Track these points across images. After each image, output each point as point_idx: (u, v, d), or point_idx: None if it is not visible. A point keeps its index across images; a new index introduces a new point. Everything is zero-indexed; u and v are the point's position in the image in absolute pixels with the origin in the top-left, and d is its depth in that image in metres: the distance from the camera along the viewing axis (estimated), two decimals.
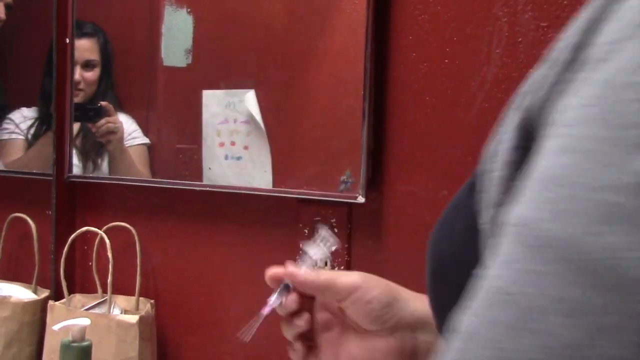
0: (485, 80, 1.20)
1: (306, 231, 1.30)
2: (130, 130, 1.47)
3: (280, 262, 0.77)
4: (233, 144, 1.37)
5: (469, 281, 0.49)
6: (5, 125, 1.56)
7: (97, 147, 1.50)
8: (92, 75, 1.49)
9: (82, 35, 1.49)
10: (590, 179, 0.30)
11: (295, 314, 0.77)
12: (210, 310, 1.43)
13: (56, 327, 1.03)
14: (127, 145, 1.47)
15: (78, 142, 1.51)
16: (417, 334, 0.74)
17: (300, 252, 0.71)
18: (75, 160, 1.50)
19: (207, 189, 1.38)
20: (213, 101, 1.38)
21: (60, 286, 1.41)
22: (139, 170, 1.46)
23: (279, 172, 1.33)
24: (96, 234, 1.41)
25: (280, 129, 1.35)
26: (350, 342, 0.75)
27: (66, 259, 1.42)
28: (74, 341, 1.03)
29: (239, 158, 1.36)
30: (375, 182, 1.27)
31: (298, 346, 0.76)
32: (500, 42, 1.19)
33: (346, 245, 1.27)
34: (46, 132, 1.52)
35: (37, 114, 1.54)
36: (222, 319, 1.42)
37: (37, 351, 1.41)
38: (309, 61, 1.31)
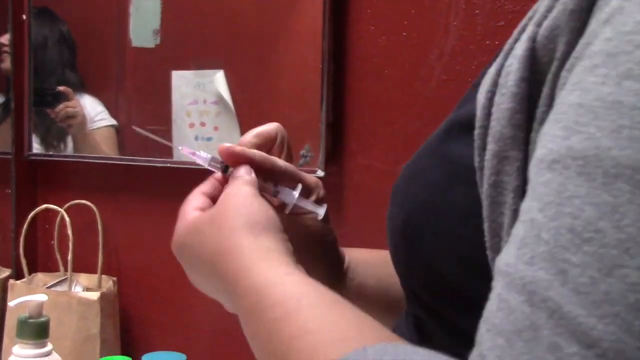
0: (444, 52, 1.20)
1: None
2: (96, 112, 1.46)
3: None
4: (203, 124, 1.36)
5: (447, 228, 0.49)
6: None
7: (58, 131, 1.48)
8: None
9: None
10: None
11: None
12: (173, 286, 1.43)
13: (12, 303, 1.02)
14: (93, 128, 1.46)
15: (39, 125, 1.49)
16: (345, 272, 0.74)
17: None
18: (37, 144, 1.49)
19: (168, 164, 1.37)
20: (182, 82, 1.37)
21: (21, 265, 1.40)
22: (105, 153, 1.45)
23: None
24: (57, 212, 1.40)
25: (249, 109, 1.34)
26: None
27: (27, 237, 1.41)
28: (30, 317, 1.02)
29: (209, 139, 1.36)
30: (334, 156, 1.27)
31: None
32: (457, 15, 1.19)
33: None
34: (8, 117, 1.50)
35: (3, 97, 1.52)
36: (185, 296, 1.42)
37: None
38: (276, 41, 1.31)
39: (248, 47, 1.33)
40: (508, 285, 0.35)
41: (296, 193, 0.65)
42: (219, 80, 1.34)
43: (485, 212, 0.44)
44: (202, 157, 0.66)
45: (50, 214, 1.47)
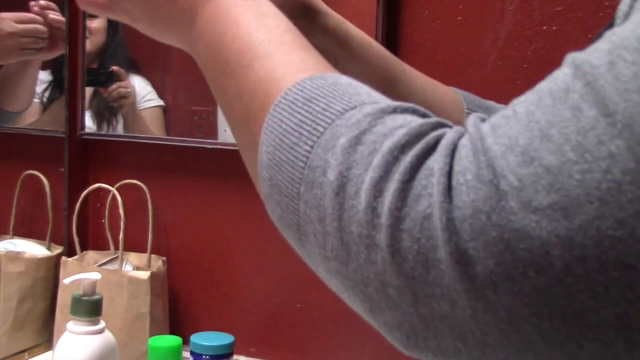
0: (499, 37, 1.18)
1: None
2: (144, 92, 1.47)
3: None
4: None
5: None
6: None
7: (110, 109, 1.50)
8: (96, 24, 1.48)
9: None
10: None
11: None
12: (221, 268, 1.44)
13: (67, 281, 1.03)
14: (141, 108, 1.47)
15: (93, 104, 1.50)
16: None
17: None
18: (91, 123, 1.50)
19: (219, 146, 1.38)
20: None
21: (73, 243, 1.42)
22: (153, 133, 1.46)
23: None
24: (109, 191, 1.42)
25: None
26: None
27: (79, 216, 1.43)
28: (84, 295, 1.03)
29: None
30: None
31: None
32: None
33: None
34: (61, 96, 1.52)
35: (52, 76, 1.54)
36: (233, 277, 1.43)
37: (50, 306, 1.43)
38: None
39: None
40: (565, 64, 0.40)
41: None
42: None
43: None
44: None
45: (101, 193, 1.49)
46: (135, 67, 1.48)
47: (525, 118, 0.38)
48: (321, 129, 0.44)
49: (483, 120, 0.41)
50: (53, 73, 1.53)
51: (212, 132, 1.40)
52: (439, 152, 0.40)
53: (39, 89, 1.53)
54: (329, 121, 0.44)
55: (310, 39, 0.64)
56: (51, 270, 1.45)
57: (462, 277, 0.38)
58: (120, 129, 1.49)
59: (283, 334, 1.40)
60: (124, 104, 1.48)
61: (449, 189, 0.38)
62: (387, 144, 0.41)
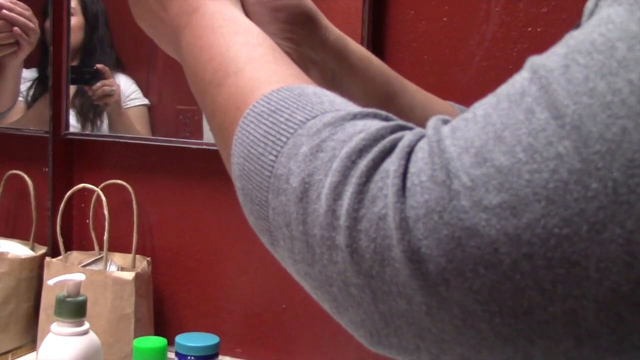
0: (484, 38, 1.19)
1: None
2: (129, 91, 1.46)
3: None
4: None
5: None
6: None
7: (95, 108, 1.49)
8: (73, 22, 1.47)
9: None
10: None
11: None
12: (206, 268, 1.44)
13: (51, 282, 1.03)
14: (126, 107, 1.46)
15: (76, 102, 1.50)
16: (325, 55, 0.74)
17: None
18: (74, 121, 1.50)
19: (204, 146, 1.38)
20: None
21: (57, 243, 1.41)
22: (138, 132, 1.45)
23: None
24: (93, 191, 1.41)
25: None
26: None
27: (63, 216, 1.42)
28: (68, 296, 1.03)
29: None
30: None
31: None
32: (499, 0, 1.17)
33: None
34: (45, 94, 1.51)
35: (37, 74, 1.53)
36: (218, 278, 1.43)
37: (34, 307, 1.42)
38: None
39: None
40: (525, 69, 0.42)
41: None
42: None
43: None
44: None
45: (86, 193, 1.48)
46: (120, 66, 1.48)
47: (482, 120, 0.40)
48: (284, 139, 0.46)
49: (445, 122, 0.42)
50: (38, 71, 1.53)
51: (198, 131, 1.40)
52: (395, 155, 0.41)
53: (23, 87, 1.52)
54: (292, 131, 0.46)
55: (309, 52, 0.66)
56: (35, 270, 1.44)
57: (416, 274, 0.39)
58: (105, 128, 1.48)
59: (268, 334, 1.40)
60: (109, 102, 1.47)
61: (403, 190, 0.40)
62: (346, 149, 0.43)
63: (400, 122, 0.45)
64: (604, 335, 0.37)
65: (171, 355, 1.24)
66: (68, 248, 1.46)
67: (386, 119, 0.46)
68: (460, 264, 0.38)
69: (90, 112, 1.49)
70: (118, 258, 1.42)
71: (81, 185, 1.43)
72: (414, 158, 0.41)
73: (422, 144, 0.41)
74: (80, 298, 1.03)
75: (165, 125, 1.44)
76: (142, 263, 1.39)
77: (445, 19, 1.21)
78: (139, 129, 1.45)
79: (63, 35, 1.48)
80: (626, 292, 0.36)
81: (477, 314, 0.38)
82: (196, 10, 0.59)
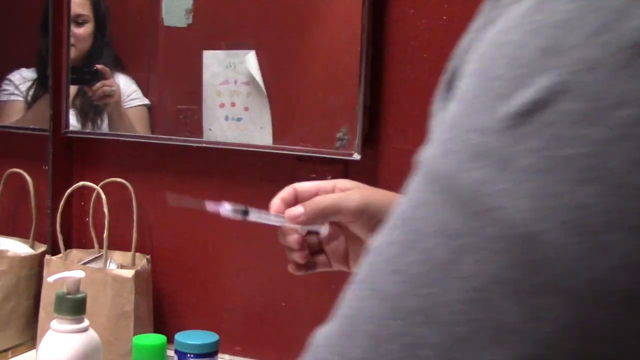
0: None
1: None
2: (129, 91, 1.46)
3: None
4: (233, 104, 1.36)
5: None
6: (4, 87, 1.54)
7: (95, 108, 1.49)
8: (83, 31, 1.47)
9: None
10: (466, 123, 0.36)
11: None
12: (206, 266, 1.44)
13: (51, 279, 1.03)
14: (126, 107, 1.46)
15: (77, 103, 1.50)
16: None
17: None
18: (75, 121, 1.50)
19: (204, 145, 1.38)
20: (213, 62, 1.37)
21: (57, 241, 1.42)
22: (138, 132, 1.45)
23: (279, 134, 1.33)
24: (93, 189, 1.41)
25: (281, 90, 1.34)
26: (357, 246, 0.84)
27: (63, 214, 1.42)
28: (68, 293, 1.03)
29: (239, 119, 1.36)
30: (371, 139, 1.27)
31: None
32: None
33: None
34: (45, 94, 1.51)
35: (36, 74, 1.53)
36: (218, 276, 1.43)
37: (34, 305, 1.42)
38: (310, 21, 1.30)
39: (281, 28, 1.32)
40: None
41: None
42: (250, 60, 1.34)
43: None
44: (226, 209, 0.85)
45: (85, 191, 1.48)
46: (120, 66, 1.48)
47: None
48: None
49: None
50: (37, 71, 1.53)
51: (197, 130, 1.40)
52: None
53: (24, 87, 1.53)
54: None
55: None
56: (35, 268, 1.44)
57: None
58: (105, 128, 1.48)
59: (268, 332, 1.40)
60: (109, 102, 1.47)
61: None
62: None
63: None
64: None
65: (170, 353, 1.24)
66: (68, 246, 1.46)
67: None
68: None
69: (90, 112, 1.50)
70: (118, 256, 1.43)
71: (81, 183, 1.43)
72: None
73: None
74: (80, 295, 1.04)
75: (165, 125, 1.45)
76: (142, 261, 1.39)
77: (444, 17, 1.21)
78: (139, 129, 1.45)
79: (63, 35, 1.48)
80: None
81: None
82: None
